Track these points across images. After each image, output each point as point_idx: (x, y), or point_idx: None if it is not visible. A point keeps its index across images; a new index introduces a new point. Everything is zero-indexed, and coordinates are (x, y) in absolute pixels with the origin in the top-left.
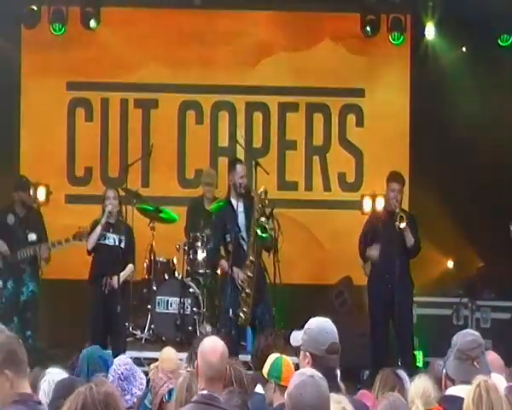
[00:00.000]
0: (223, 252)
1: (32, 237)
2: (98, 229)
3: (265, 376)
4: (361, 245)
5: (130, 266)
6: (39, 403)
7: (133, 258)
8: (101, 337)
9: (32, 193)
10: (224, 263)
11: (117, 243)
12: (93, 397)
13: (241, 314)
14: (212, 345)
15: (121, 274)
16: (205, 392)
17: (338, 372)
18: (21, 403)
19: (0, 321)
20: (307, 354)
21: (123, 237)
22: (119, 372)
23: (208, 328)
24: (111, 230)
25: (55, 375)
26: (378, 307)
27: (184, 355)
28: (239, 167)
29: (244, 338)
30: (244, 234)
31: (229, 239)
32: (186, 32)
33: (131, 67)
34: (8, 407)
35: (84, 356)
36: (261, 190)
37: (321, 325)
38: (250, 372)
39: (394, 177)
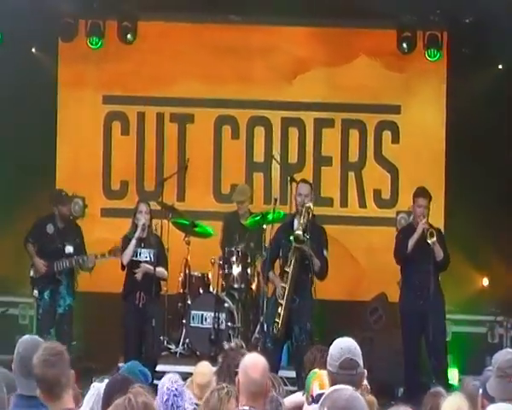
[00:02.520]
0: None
1: (69, 249)
2: (133, 243)
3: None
4: (397, 254)
5: (162, 269)
6: None
7: (165, 267)
8: (135, 351)
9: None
10: (273, 276)
11: (149, 258)
12: (132, 408)
13: (275, 325)
14: (254, 361)
15: (146, 266)
16: (246, 408)
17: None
18: None
19: (37, 333)
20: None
21: (154, 251)
22: (174, 389)
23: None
24: (142, 245)
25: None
26: (410, 323)
27: None
28: (299, 186)
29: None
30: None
31: (281, 254)
32: (222, 47)
33: (168, 81)
34: None
35: (125, 370)
36: (307, 205)
37: (338, 341)
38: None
39: (420, 192)
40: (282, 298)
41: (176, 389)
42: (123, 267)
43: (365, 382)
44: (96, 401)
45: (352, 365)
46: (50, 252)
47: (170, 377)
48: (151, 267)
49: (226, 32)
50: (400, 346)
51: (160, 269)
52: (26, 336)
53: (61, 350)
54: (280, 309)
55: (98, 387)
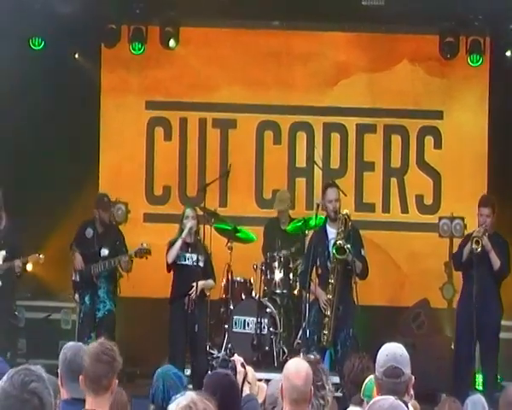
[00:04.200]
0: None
1: (105, 252)
2: (178, 243)
3: (361, 396)
4: (453, 262)
5: (211, 281)
6: None
7: (213, 276)
8: (181, 357)
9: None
10: (313, 287)
11: (196, 263)
12: None
13: (323, 337)
14: (297, 368)
15: (200, 283)
16: None
17: (408, 397)
18: None
19: (78, 337)
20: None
21: (201, 257)
22: None
23: (313, 356)
24: (189, 249)
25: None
26: (463, 329)
27: (261, 375)
28: (329, 191)
29: (322, 361)
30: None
31: (319, 263)
32: (264, 53)
33: (210, 86)
34: None
35: (160, 374)
36: (344, 212)
37: (385, 347)
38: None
39: (484, 201)
40: (329, 310)
41: None
42: (168, 269)
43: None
44: None
45: (396, 373)
46: (89, 256)
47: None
48: (205, 282)
49: (268, 37)
50: (443, 352)
51: (209, 282)
52: (72, 342)
53: (113, 352)
54: (326, 320)
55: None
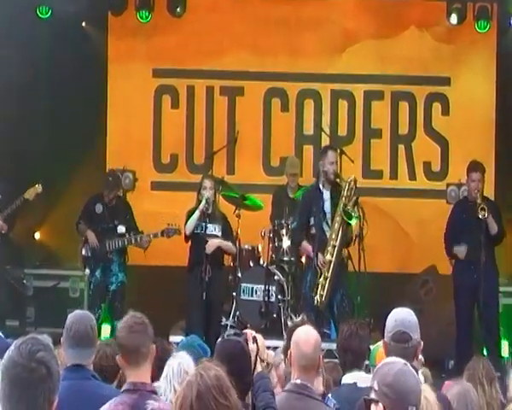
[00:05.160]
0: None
1: (122, 229)
2: (196, 214)
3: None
4: (447, 242)
5: (230, 243)
6: (154, 392)
7: (233, 243)
8: (197, 325)
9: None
10: (305, 245)
11: (214, 232)
12: (206, 384)
13: (318, 297)
14: (306, 335)
15: (216, 241)
16: (298, 381)
17: (417, 363)
18: (132, 392)
19: (88, 308)
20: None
21: (218, 226)
22: None
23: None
24: (208, 219)
25: (181, 359)
26: (463, 295)
27: (269, 343)
28: (330, 153)
29: (328, 326)
30: (329, 221)
31: (312, 222)
32: (272, 20)
33: (217, 54)
34: (118, 397)
35: (184, 345)
36: (351, 178)
37: (394, 313)
38: (335, 361)
39: (474, 166)
40: (327, 271)
41: None
42: (186, 239)
43: (420, 355)
44: (176, 373)
45: (404, 338)
46: (101, 231)
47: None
48: (223, 241)
49: (276, 4)
50: (451, 318)
51: (228, 243)
52: (76, 311)
53: (145, 322)
54: (321, 280)
55: (179, 356)
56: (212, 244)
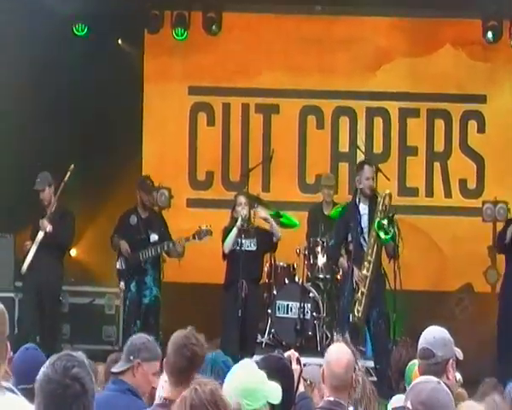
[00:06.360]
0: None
1: (155, 237)
2: (234, 232)
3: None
4: (498, 239)
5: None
6: None
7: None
8: (234, 343)
9: (154, 196)
10: (343, 261)
11: (250, 248)
12: (200, 398)
13: (356, 313)
14: (338, 355)
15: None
16: (331, 398)
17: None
18: (163, 407)
19: (124, 325)
20: None
21: (255, 240)
22: None
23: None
24: (243, 235)
25: None
26: (507, 313)
27: (304, 360)
28: (367, 168)
29: (363, 343)
30: (366, 236)
31: (350, 239)
32: (306, 38)
33: (253, 72)
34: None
35: (208, 361)
36: (386, 192)
37: (425, 331)
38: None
39: None
40: (362, 286)
41: None
42: (224, 257)
43: (458, 375)
44: None
45: (427, 354)
46: (136, 242)
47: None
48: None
49: (310, 23)
50: (487, 337)
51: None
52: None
53: (195, 350)
54: (359, 296)
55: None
56: (262, 212)
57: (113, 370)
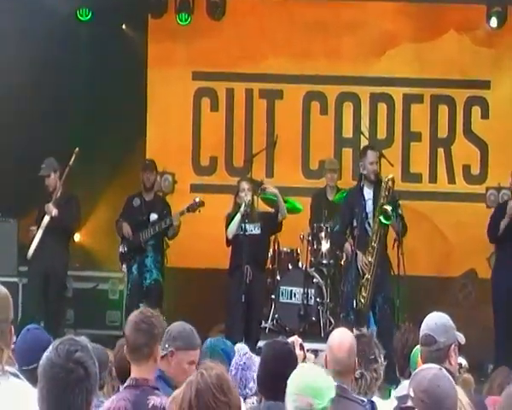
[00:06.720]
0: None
1: (154, 216)
2: (238, 218)
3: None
4: (490, 226)
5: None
6: (156, 388)
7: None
8: (238, 327)
9: (157, 179)
10: (348, 247)
11: (254, 232)
12: (206, 382)
13: (361, 299)
14: (340, 340)
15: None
16: (335, 384)
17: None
18: (134, 388)
19: (126, 308)
20: None
21: (258, 224)
22: (242, 363)
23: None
24: (246, 220)
25: None
26: (501, 297)
27: (308, 346)
28: (370, 153)
29: (367, 326)
30: (371, 221)
31: (355, 224)
32: (311, 23)
33: (256, 57)
34: (120, 393)
35: (208, 347)
36: (389, 177)
37: (426, 317)
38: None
39: None
40: (368, 272)
41: (244, 363)
42: (228, 243)
43: (464, 361)
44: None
45: (428, 341)
46: (138, 224)
47: (238, 350)
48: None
49: (315, 7)
50: (490, 322)
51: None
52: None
53: (153, 321)
54: (364, 281)
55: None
56: (271, 187)
57: None
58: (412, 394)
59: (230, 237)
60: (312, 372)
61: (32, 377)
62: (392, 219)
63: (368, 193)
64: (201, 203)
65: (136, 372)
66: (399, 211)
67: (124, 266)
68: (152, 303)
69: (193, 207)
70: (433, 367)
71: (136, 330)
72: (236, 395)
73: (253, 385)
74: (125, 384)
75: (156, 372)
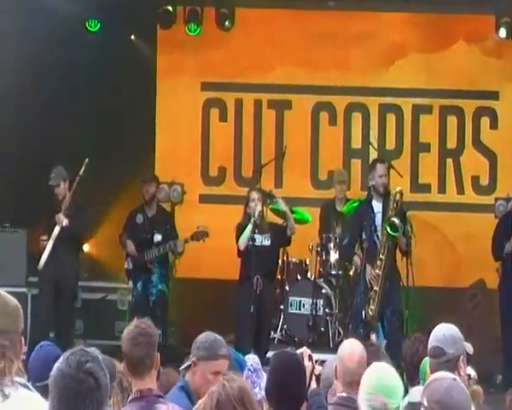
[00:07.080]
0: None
1: (158, 237)
2: (249, 228)
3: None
4: (494, 243)
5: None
6: (160, 396)
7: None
8: (248, 338)
9: (166, 189)
10: (357, 260)
11: (264, 243)
12: (227, 393)
13: (369, 311)
14: (351, 351)
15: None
16: (344, 394)
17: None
18: (139, 400)
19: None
20: None
21: (268, 235)
22: (249, 365)
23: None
24: (256, 230)
25: None
26: (508, 307)
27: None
28: (379, 166)
29: (377, 337)
30: (379, 234)
31: (364, 237)
32: (320, 34)
33: (265, 67)
34: (125, 407)
35: None
36: (397, 189)
37: (435, 328)
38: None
39: None
40: (376, 285)
41: (251, 365)
42: (239, 254)
43: (473, 372)
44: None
45: (437, 353)
46: (141, 242)
47: (248, 357)
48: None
49: (324, 18)
50: (499, 332)
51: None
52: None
53: (149, 332)
54: (372, 294)
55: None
56: (283, 205)
57: (181, 368)
58: (425, 403)
59: (242, 248)
60: (385, 371)
61: (45, 393)
62: (400, 231)
63: (377, 206)
64: (206, 234)
65: (139, 385)
66: (407, 227)
67: (130, 282)
68: (157, 314)
69: (197, 237)
70: (447, 377)
71: (136, 345)
72: (257, 408)
73: (258, 391)
74: (130, 398)
75: (180, 382)
